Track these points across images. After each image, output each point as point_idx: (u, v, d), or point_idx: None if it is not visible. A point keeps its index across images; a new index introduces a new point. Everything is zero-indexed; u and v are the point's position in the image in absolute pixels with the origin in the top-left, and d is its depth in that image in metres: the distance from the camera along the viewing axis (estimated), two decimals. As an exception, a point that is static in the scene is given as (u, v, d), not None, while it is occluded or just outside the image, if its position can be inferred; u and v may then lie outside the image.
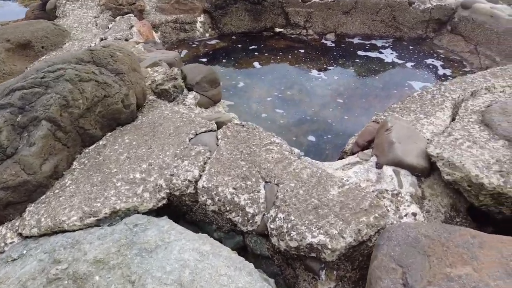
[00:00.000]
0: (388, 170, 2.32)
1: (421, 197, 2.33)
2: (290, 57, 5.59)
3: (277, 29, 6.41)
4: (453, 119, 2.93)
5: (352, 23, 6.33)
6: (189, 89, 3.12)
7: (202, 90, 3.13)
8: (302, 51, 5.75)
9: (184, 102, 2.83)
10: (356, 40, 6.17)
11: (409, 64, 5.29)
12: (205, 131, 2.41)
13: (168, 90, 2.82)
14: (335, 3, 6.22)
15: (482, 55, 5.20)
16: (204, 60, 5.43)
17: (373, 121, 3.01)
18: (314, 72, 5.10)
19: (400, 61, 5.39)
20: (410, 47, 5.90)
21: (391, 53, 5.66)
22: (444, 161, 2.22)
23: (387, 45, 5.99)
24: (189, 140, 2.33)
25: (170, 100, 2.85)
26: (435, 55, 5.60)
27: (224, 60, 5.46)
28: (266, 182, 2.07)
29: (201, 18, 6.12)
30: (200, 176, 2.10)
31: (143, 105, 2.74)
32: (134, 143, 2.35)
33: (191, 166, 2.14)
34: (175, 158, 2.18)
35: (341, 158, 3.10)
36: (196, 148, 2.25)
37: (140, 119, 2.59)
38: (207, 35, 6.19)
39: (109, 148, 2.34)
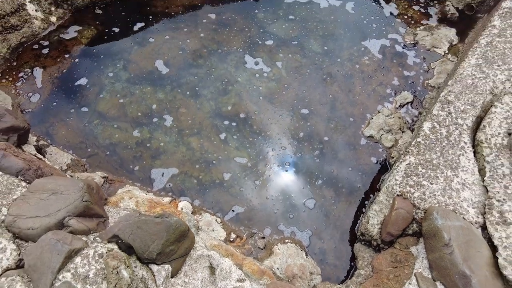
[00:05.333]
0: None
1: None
2: (200, 30, 3.91)
3: (157, -24, 4.25)
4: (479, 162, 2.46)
5: None
6: (147, 263, 1.89)
7: (168, 257, 1.93)
8: (213, 16, 4.04)
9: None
10: (269, -29, 4.54)
11: (349, 6, 4.21)
12: None
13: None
14: None
15: (420, -29, 4.35)
16: (81, 83, 3.47)
17: (398, 195, 2.37)
18: (245, 56, 3.74)
19: (337, 3, 4.24)
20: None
21: (321, -12, 4.38)
22: (532, 289, 1.87)
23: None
24: None
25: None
26: (368, -23, 4.53)
27: (109, 73, 3.57)
28: None
29: (28, -6, 3.61)
30: None
31: None
32: None
33: None
34: None
35: (362, 239, 2.53)
36: None
37: None
38: (53, 19, 3.82)
39: None
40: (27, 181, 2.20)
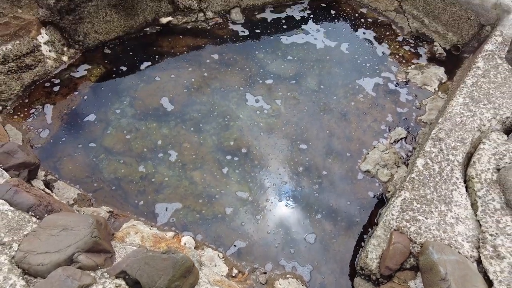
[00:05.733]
0: None
1: None
2: (204, 70, 4.14)
3: (164, 20, 4.56)
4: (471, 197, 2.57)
5: (255, -12, 4.88)
6: (151, 298, 1.95)
7: (173, 293, 1.99)
8: (216, 56, 4.30)
9: None
10: (268, 14, 4.88)
11: (344, 47, 4.49)
12: None
13: None
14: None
15: (408, 15, 4.70)
16: (89, 119, 3.63)
17: (395, 230, 2.45)
18: (246, 94, 3.94)
19: (333, 43, 4.53)
20: (332, 12, 4.97)
21: (317, 30, 4.69)
22: (529, 325, 1.92)
23: (305, 13, 4.91)
24: None
25: None
26: (362, 20, 4.86)
27: (115, 109, 3.74)
28: None
29: (43, 36, 3.85)
30: None
31: None
32: None
33: None
34: None
35: (361, 273, 2.58)
36: None
37: None
38: (65, 59, 4.05)
39: None
40: (38, 217, 2.28)
